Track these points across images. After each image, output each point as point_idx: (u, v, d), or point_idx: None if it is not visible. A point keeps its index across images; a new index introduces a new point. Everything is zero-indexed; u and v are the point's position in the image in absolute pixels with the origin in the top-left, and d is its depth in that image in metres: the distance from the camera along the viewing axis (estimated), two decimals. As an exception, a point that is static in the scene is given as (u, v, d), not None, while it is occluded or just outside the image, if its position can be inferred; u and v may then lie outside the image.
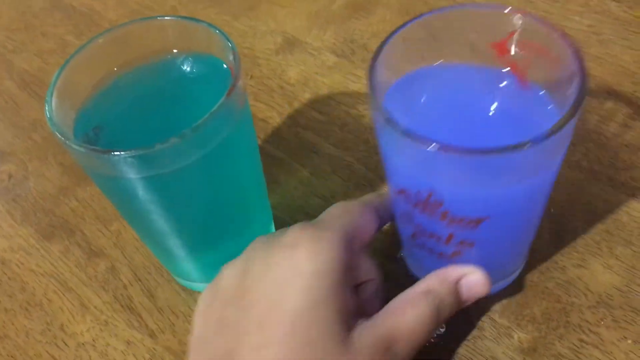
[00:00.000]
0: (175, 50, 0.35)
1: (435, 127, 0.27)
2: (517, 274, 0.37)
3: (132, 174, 0.29)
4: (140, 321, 0.39)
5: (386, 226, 0.36)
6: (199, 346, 0.29)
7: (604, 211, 0.39)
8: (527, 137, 0.24)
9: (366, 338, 0.28)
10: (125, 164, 0.29)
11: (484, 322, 0.36)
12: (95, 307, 0.40)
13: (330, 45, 0.54)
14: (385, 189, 0.43)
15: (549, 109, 0.29)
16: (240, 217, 0.37)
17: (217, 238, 0.37)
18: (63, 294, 0.41)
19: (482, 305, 0.36)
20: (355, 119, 0.47)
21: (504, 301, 0.36)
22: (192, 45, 0.34)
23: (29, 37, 0.60)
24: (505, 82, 0.31)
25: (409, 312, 0.29)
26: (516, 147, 0.24)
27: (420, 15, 0.31)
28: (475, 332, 0.35)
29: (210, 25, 0.33)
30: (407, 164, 0.29)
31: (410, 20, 0.31)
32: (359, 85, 0.50)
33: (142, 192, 0.31)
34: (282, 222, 0.42)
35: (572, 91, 0.26)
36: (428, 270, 0.32)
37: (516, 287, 0.37)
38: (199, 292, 0.39)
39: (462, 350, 0.35)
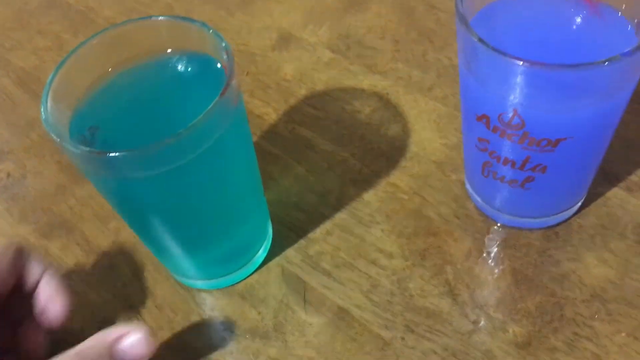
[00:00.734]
0: (169, 50, 0.35)
1: (520, 51, 0.28)
2: (574, 210, 0.39)
3: (127, 175, 0.30)
4: (139, 318, 0.39)
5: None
6: None
7: (598, 205, 0.40)
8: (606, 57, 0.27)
9: None
10: (119, 165, 0.29)
11: (479, 316, 0.36)
12: (94, 305, 0.40)
13: (325, 40, 0.54)
14: (378, 181, 0.43)
15: (628, 31, 0.32)
16: (237, 214, 0.37)
17: (214, 235, 0.37)
18: (62, 292, 0.41)
19: (477, 300, 0.37)
20: (351, 115, 0.48)
21: (498, 295, 0.37)
22: (187, 45, 0.34)
23: (25, 35, 0.60)
24: (583, 7, 0.33)
25: None
26: (602, 63, 0.27)
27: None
28: (469, 326, 0.36)
29: (203, 24, 0.33)
30: (495, 86, 0.31)
31: None
32: (355, 81, 0.50)
33: (137, 192, 0.31)
34: (278, 218, 0.42)
35: None
36: (497, 202, 0.37)
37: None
38: (198, 290, 0.40)
39: (457, 345, 0.35)
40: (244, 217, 0.38)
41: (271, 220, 0.42)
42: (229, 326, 0.38)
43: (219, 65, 0.33)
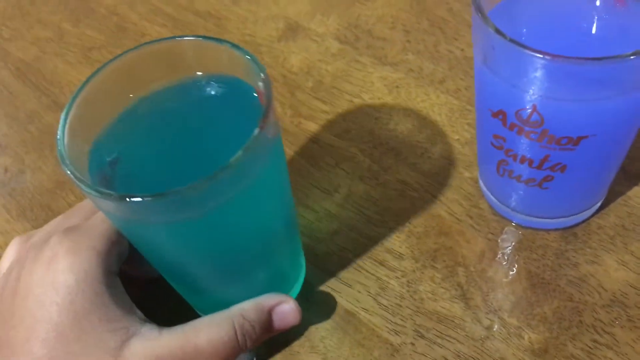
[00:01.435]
0: (195, 73, 0.31)
1: (540, 43, 0.27)
2: (593, 210, 0.37)
3: (149, 220, 0.26)
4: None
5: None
6: None
7: (619, 204, 0.38)
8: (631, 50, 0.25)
9: (140, 353, 0.28)
10: (141, 210, 0.25)
11: (493, 321, 0.34)
12: (92, 306, 0.39)
13: (334, 31, 0.52)
14: (387, 178, 0.41)
15: None
16: (271, 251, 0.34)
17: (246, 273, 0.34)
18: (60, 292, 0.40)
19: (490, 304, 0.35)
20: (359, 109, 0.46)
21: (513, 299, 0.35)
22: (215, 67, 0.31)
23: (24, 25, 0.58)
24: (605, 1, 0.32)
25: (204, 333, 0.30)
26: (627, 56, 0.25)
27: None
28: (483, 332, 0.34)
29: (234, 45, 0.29)
30: (513, 80, 0.29)
31: None
32: (364, 73, 0.48)
33: (161, 237, 0.28)
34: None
35: None
36: (513, 202, 0.36)
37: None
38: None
39: (470, 351, 0.33)
40: (278, 252, 0.34)
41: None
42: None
43: (253, 90, 0.29)
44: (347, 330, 0.35)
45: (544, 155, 0.31)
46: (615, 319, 0.34)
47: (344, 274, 0.38)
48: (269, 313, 0.32)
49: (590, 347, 0.33)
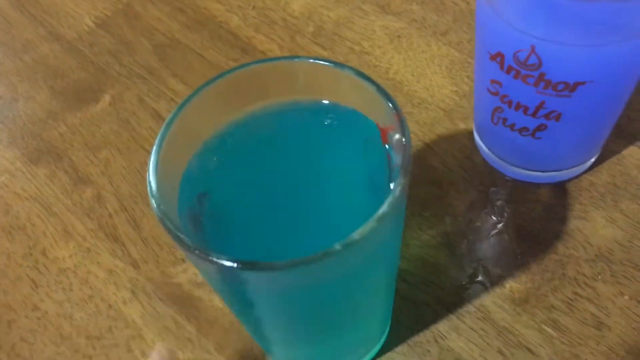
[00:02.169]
0: (303, 99, 0.26)
1: None
2: (586, 166, 0.37)
3: (244, 288, 0.22)
4: (123, 250, 0.38)
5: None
6: None
7: (612, 163, 0.37)
8: None
9: None
10: (236, 276, 0.21)
11: (477, 270, 0.34)
12: (78, 234, 0.39)
13: (338, -23, 0.51)
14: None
15: None
16: (367, 312, 0.29)
17: (338, 334, 0.29)
18: (47, 219, 0.40)
19: (475, 253, 0.35)
20: (359, 56, 0.45)
21: (499, 250, 0.35)
22: (329, 95, 0.26)
23: (25, -44, 0.57)
24: None
25: None
26: None
27: None
28: (465, 280, 0.34)
29: (359, 73, 0.23)
30: (513, 18, 0.28)
31: None
32: (366, 21, 0.47)
33: (257, 305, 0.24)
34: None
35: None
36: (506, 153, 0.35)
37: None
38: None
39: (451, 298, 0.33)
40: (373, 313, 0.30)
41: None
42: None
43: (374, 125, 0.24)
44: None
45: (540, 101, 0.31)
46: (599, 273, 0.33)
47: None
48: None
49: (570, 299, 0.33)
